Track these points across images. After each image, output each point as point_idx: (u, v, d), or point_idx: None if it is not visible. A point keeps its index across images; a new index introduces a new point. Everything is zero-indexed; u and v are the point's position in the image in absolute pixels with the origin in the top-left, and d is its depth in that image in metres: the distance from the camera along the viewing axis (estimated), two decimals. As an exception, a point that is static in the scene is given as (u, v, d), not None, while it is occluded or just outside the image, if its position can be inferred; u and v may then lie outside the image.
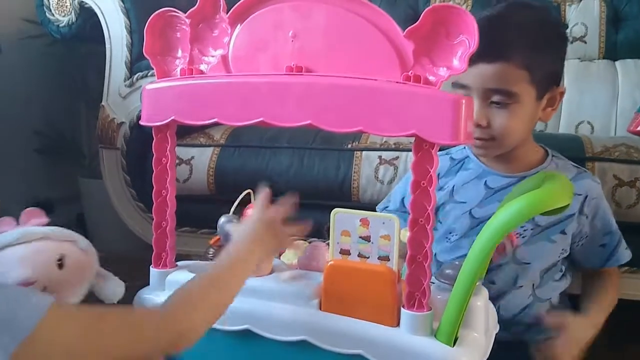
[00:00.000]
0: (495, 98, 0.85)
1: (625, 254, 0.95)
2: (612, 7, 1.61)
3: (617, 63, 1.58)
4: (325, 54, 0.65)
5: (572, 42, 1.61)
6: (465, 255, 0.88)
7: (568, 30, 1.62)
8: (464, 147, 0.96)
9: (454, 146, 0.95)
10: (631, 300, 1.09)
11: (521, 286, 0.90)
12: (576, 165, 0.96)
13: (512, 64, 0.84)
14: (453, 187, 0.94)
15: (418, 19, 0.60)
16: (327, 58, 0.65)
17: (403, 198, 0.98)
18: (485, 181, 0.92)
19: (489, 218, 0.86)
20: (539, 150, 0.95)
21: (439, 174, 0.95)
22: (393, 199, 1.01)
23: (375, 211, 1.01)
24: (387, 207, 1.02)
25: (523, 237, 0.88)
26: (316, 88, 0.64)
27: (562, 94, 0.92)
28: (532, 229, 0.88)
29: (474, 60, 0.81)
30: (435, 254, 0.94)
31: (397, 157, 1.16)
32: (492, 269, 0.88)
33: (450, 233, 0.93)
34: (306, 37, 0.65)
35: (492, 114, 0.86)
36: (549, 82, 0.88)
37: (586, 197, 0.91)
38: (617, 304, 0.94)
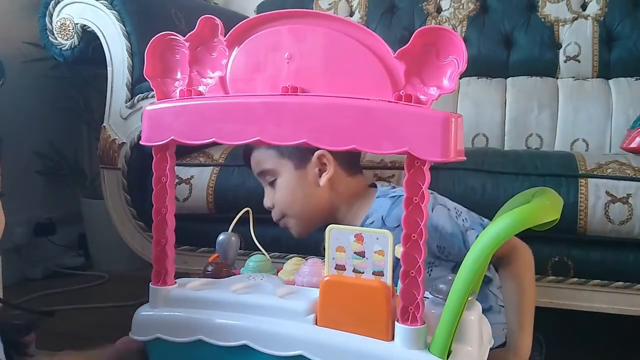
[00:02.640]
0: (265, 179, 1.01)
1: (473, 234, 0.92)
2: (604, 27, 1.63)
3: (611, 82, 1.60)
4: (320, 75, 0.67)
5: (566, 62, 1.64)
6: None
7: (562, 50, 1.65)
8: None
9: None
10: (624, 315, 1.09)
11: None
12: (396, 195, 0.98)
13: (262, 148, 0.99)
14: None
15: (411, 40, 0.62)
16: (322, 79, 0.67)
17: None
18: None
19: None
20: (367, 198, 1.00)
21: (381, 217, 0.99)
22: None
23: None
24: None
25: None
26: (311, 108, 0.65)
27: (322, 156, 0.97)
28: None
29: (245, 157, 1.04)
30: None
31: (393, 175, 1.18)
32: None
33: None
34: (301, 59, 0.67)
35: (272, 193, 1.00)
36: (303, 154, 0.97)
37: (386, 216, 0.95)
38: (613, 319, 0.94)
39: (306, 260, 0.80)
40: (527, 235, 0.80)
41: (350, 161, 1.02)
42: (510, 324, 0.89)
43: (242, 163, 1.27)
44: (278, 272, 0.84)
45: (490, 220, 0.87)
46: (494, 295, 0.96)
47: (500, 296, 0.95)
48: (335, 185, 0.98)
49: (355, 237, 0.66)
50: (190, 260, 1.29)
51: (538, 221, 0.63)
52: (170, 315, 0.76)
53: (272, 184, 1.00)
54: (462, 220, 0.94)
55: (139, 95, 1.33)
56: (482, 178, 1.14)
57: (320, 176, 0.97)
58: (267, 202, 1.00)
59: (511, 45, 1.69)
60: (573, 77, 1.63)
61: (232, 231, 0.91)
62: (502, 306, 0.94)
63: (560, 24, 1.67)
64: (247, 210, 0.93)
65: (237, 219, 0.91)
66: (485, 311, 0.91)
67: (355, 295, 0.66)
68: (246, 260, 0.87)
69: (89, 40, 1.38)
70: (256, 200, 1.23)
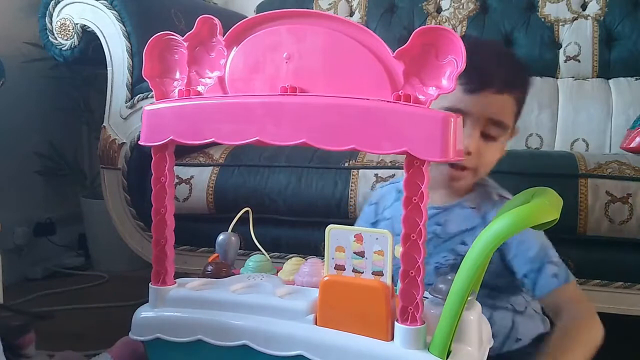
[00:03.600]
0: (491, 130, 0.86)
1: (551, 282, 0.87)
2: (604, 27, 1.64)
3: (611, 81, 1.60)
4: (319, 75, 0.67)
5: (566, 61, 1.64)
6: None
7: (562, 50, 1.65)
8: None
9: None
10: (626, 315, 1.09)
11: None
12: (502, 195, 0.93)
13: (513, 98, 0.86)
14: (390, 218, 0.96)
15: (410, 40, 0.62)
16: (321, 79, 0.67)
17: None
18: None
19: None
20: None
21: (387, 205, 0.99)
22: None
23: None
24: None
25: (446, 267, 0.90)
26: (310, 108, 0.65)
27: (517, 132, 0.94)
28: (454, 259, 0.89)
29: (473, 91, 0.84)
30: None
31: (394, 175, 1.18)
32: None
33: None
34: (300, 59, 0.67)
35: (482, 144, 0.87)
36: (519, 115, 0.91)
37: None
38: (613, 319, 0.93)
39: (306, 260, 0.80)
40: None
41: None
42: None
43: (242, 163, 1.28)
44: (278, 272, 0.84)
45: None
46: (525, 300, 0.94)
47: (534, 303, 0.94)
48: None
49: (354, 237, 0.66)
50: (190, 260, 1.29)
51: (538, 221, 0.62)
52: (170, 315, 0.76)
53: (488, 136, 0.87)
54: (553, 252, 0.89)
55: (139, 95, 1.33)
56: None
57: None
58: (470, 146, 0.86)
59: (511, 45, 1.69)
60: (573, 77, 1.63)
61: (232, 231, 0.90)
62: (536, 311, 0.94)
63: (560, 23, 1.67)
64: (247, 210, 0.93)
65: (236, 219, 0.91)
66: (518, 314, 0.92)
67: (355, 295, 0.66)
68: (246, 260, 0.86)
69: (89, 40, 1.38)
70: (256, 200, 1.24)
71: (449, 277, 0.67)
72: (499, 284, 0.90)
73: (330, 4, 1.84)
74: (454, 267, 0.86)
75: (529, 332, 0.92)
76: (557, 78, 1.65)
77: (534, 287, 0.87)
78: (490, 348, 0.72)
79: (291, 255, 1.09)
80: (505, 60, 0.90)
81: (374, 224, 1.00)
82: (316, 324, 0.68)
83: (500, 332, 0.90)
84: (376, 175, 1.19)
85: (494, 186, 0.95)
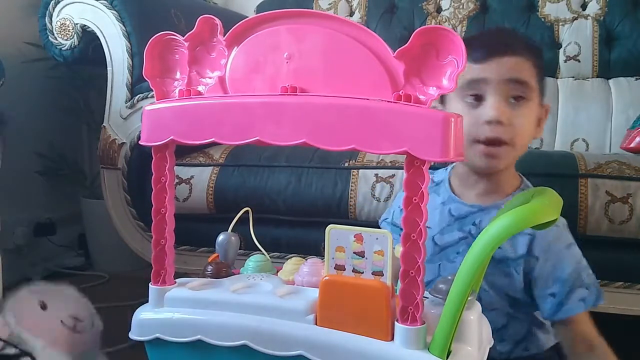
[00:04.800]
0: (514, 91, 0.83)
1: (578, 305, 0.85)
2: (604, 27, 1.64)
3: (611, 81, 1.61)
4: (319, 75, 0.67)
5: (566, 61, 1.64)
6: (428, 282, 0.87)
7: (562, 50, 1.65)
8: (446, 169, 0.95)
9: (445, 163, 0.96)
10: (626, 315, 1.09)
11: (492, 309, 0.88)
12: None
13: (525, 58, 0.85)
14: None
15: (410, 40, 0.62)
16: (321, 79, 0.67)
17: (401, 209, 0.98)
18: (450, 208, 0.91)
19: (449, 246, 0.89)
20: (515, 180, 0.92)
21: None
22: (393, 211, 1.02)
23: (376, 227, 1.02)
24: (386, 218, 1.03)
25: None
26: (310, 108, 0.65)
27: (547, 111, 0.91)
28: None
29: (487, 57, 0.84)
30: None
31: (394, 175, 1.18)
32: None
33: None
34: (301, 59, 0.67)
35: (510, 112, 0.83)
36: (543, 90, 0.89)
37: (534, 237, 0.86)
38: (613, 319, 0.93)
39: (306, 260, 0.80)
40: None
41: None
42: None
43: (242, 163, 1.28)
44: (278, 272, 0.84)
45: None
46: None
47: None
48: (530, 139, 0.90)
49: (354, 237, 0.66)
50: (190, 260, 1.29)
51: (538, 221, 0.62)
52: (169, 315, 0.76)
53: (518, 100, 0.84)
54: (586, 275, 0.87)
55: (139, 95, 1.33)
56: (482, 178, 1.14)
57: (538, 125, 0.89)
58: (499, 115, 0.83)
59: (511, 45, 1.69)
60: (573, 77, 1.63)
61: (232, 231, 0.90)
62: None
63: (560, 23, 1.67)
64: (247, 210, 0.93)
65: (236, 219, 0.91)
66: (538, 327, 0.91)
67: (355, 295, 0.66)
68: (246, 260, 0.86)
69: (89, 40, 1.38)
70: (256, 200, 1.24)
71: (449, 277, 0.67)
72: (521, 297, 0.88)
73: (330, 4, 1.84)
74: (489, 270, 0.84)
75: (543, 345, 0.91)
76: (557, 78, 1.65)
77: (558, 309, 0.85)
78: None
79: (291, 255, 1.09)
80: (506, 31, 0.94)
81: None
82: (316, 324, 0.68)
83: (511, 339, 0.90)
84: (376, 175, 1.19)
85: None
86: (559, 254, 0.86)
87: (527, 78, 0.84)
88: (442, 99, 0.90)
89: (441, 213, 0.91)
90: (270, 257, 0.90)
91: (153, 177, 0.77)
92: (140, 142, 0.77)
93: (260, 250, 0.92)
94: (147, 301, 0.78)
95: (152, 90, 0.76)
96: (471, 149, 0.85)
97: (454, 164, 0.94)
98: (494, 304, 0.88)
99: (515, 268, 0.86)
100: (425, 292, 0.65)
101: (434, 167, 0.87)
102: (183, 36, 0.74)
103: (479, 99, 0.85)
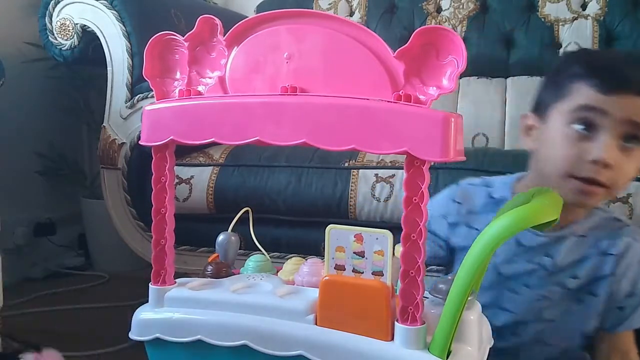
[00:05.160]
0: (629, 140, 0.75)
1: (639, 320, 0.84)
2: (604, 27, 1.64)
3: (611, 81, 1.60)
4: (319, 75, 0.67)
5: (565, 61, 1.64)
6: (484, 307, 0.86)
7: (562, 50, 1.65)
8: (507, 183, 0.88)
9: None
10: None
11: (552, 344, 0.86)
12: (618, 218, 0.87)
13: None
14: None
15: (410, 40, 0.62)
16: (321, 79, 0.67)
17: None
18: (517, 237, 0.84)
19: (515, 277, 0.84)
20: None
21: (475, 210, 0.88)
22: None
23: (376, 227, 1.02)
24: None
25: (551, 299, 0.84)
26: (310, 108, 0.65)
27: None
28: (561, 292, 0.84)
29: (616, 89, 0.75)
30: None
31: (394, 175, 1.18)
32: (519, 323, 0.86)
33: None
34: (301, 59, 0.67)
35: (619, 156, 0.76)
36: None
37: (621, 257, 0.83)
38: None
39: (306, 260, 0.80)
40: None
41: None
42: None
43: (242, 163, 1.28)
44: (278, 272, 0.84)
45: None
46: None
47: None
48: None
49: (354, 237, 0.66)
50: (190, 260, 1.29)
51: (538, 221, 0.62)
52: (169, 315, 0.76)
53: (632, 147, 0.76)
54: None
55: (139, 95, 1.33)
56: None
57: None
58: (608, 158, 0.74)
59: (511, 45, 1.69)
60: (573, 77, 1.63)
61: (232, 231, 0.90)
62: None
63: (560, 23, 1.67)
64: (247, 210, 0.93)
65: (236, 219, 0.91)
66: None
67: (355, 295, 0.66)
68: (246, 260, 0.86)
69: (89, 40, 1.38)
70: (256, 200, 1.24)
71: (449, 277, 0.67)
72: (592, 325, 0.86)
73: (330, 4, 1.84)
74: (560, 301, 0.83)
75: None
76: (557, 78, 1.65)
77: (621, 322, 0.83)
78: (490, 348, 0.72)
79: (291, 255, 1.09)
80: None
81: (453, 225, 0.90)
82: (316, 324, 0.68)
83: None
84: (376, 175, 1.19)
85: (607, 210, 0.88)
86: (637, 269, 0.83)
87: None
88: (542, 116, 0.82)
89: (506, 241, 0.85)
90: (270, 257, 0.90)
91: (153, 177, 0.77)
92: (140, 142, 0.77)
93: (260, 250, 0.92)
94: (147, 301, 0.78)
95: (152, 90, 0.76)
96: (565, 182, 0.78)
97: (520, 176, 0.87)
98: (553, 339, 0.86)
99: (594, 291, 0.83)
100: (425, 292, 0.65)
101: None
102: (183, 36, 0.74)
103: (589, 129, 0.76)
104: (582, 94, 0.76)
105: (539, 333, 0.86)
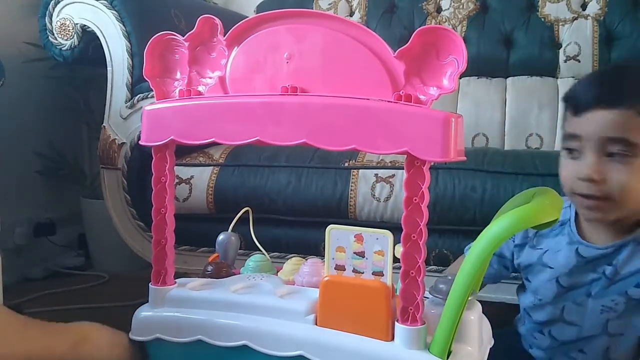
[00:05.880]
0: (613, 149, 0.77)
1: None
2: (604, 27, 1.64)
3: (611, 81, 1.60)
4: (319, 75, 0.67)
5: (566, 61, 1.64)
6: (548, 321, 0.88)
7: (562, 50, 1.65)
8: (569, 206, 0.88)
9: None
10: None
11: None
12: None
13: (634, 111, 0.76)
14: (546, 251, 0.88)
15: (410, 40, 0.62)
16: (321, 79, 0.67)
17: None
18: (577, 248, 0.85)
19: (577, 287, 0.84)
20: None
21: (542, 233, 0.88)
22: None
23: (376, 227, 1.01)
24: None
25: (615, 311, 0.83)
26: (310, 108, 0.65)
27: None
28: (624, 303, 0.82)
29: (589, 106, 0.78)
30: (524, 309, 0.93)
31: (394, 175, 1.18)
32: (583, 338, 0.86)
33: (535, 295, 0.90)
34: (301, 59, 0.67)
35: (608, 168, 0.77)
36: None
37: None
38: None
39: (306, 260, 0.80)
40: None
41: None
42: None
43: (242, 163, 1.28)
44: (278, 272, 0.84)
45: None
46: None
47: None
48: None
49: (355, 237, 0.66)
50: (190, 260, 1.29)
51: (538, 221, 0.62)
52: (170, 316, 0.76)
53: (618, 157, 0.77)
54: None
55: (139, 95, 1.33)
56: (482, 178, 1.14)
57: None
58: (595, 174, 0.77)
59: (511, 45, 1.69)
60: (573, 77, 1.63)
61: (232, 231, 0.91)
62: None
63: (560, 23, 1.67)
64: (247, 210, 0.93)
65: (236, 219, 0.91)
66: None
67: (355, 296, 0.66)
68: (246, 260, 0.86)
69: (89, 40, 1.38)
70: (256, 200, 1.24)
71: (449, 277, 0.67)
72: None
73: (330, 4, 1.84)
74: (625, 312, 0.82)
75: None
76: (557, 78, 1.65)
77: None
78: (490, 348, 0.72)
79: (291, 255, 1.09)
80: (612, 74, 0.83)
81: (519, 246, 0.92)
82: (316, 324, 0.68)
83: None
84: (376, 175, 1.19)
85: None
86: None
87: (632, 136, 0.76)
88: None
89: (567, 253, 0.86)
90: (270, 257, 0.90)
91: (153, 177, 0.77)
92: (140, 142, 0.77)
93: (260, 250, 0.92)
94: (147, 301, 0.79)
95: (152, 90, 0.76)
96: (573, 199, 0.83)
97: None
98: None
99: None
100: (425, 291, 0.65)
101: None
102: (183, 36, 0.74)
103: (575, 152, 0.81)
104: (566, 120, 0.83)
105: (604, 349, 0.85)
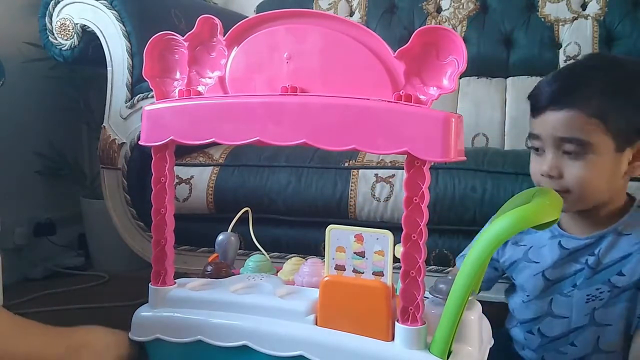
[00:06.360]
0: (567, 147, 0.81)
1: None
2: (604, 27, 1.64)
3: (611, 81, 1.60)
4: (319, 75, 0.67)
5: (566, 61, 1.64)
6: (537, 318, 0.89)
7: (562, 50, 1.65)
8: None
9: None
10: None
11: (610, 351, 0.87)
12: None
13: (582, 112, 0.80)
14: (530, 247, 0.91)
15: (410, 40, 0.62)
16: (321, 79, 0.67)
17: None
18: (560, 241, 0.88)
19: (563, 279, 0.87)
20: (622, 205, 0.88)
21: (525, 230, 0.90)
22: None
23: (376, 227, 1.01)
24: (465, 254, 0.97)
25: (600, 299, 0.85)
26: (310, 108, 0.65)
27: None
28: (609, 291, 0.85)
29: (542, 107, 0.83)
30: (513, 309, 0.95)
31: (394, 175, 1.18)
32: (572, 331, 0.87)
33: (523, 292, 0.91)
34: (301, 59, 0.67)
35: (565, 164, 0.82)
36: (630, 134, 0.82)
37: None
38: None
39: (306, 260, 0.80)
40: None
41: None
42: None
43: (242, 163, 1.28)
44: (278, 272, 0.84)
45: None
46: None
47: None
48: (627, 179, 0.86)
49: (355, 237, 0.66)
50: (190, 260, 1.29)
51: (538, 221, 0.62)
52: (169, 316, 0.76)
53: (573, 154, 0.81)
54: None
55: (139, 95, 1.33)
56: (482, 178, 1.14)
57: (631, 165, 0.84)
58: (552, 170, 0.82)
59: (511, 45, 1.69)
60: (573, 77, 1.62)
61: (231, 231, 0.91)
62: None
63: (560, 23, 1.67)
64: (247, 210, 0.93)
65: (236, 219, 0.91)
66: None
67: (355, 296, 0.66)
68: (246, 260, 0.86)
69: (89, 40, 1.38)
70: (256, 200, 1.24)
71: (449, 277, 0.67)
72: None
73: (330, 4, 1.84)
74: (610, 300, 0.84)
75: None
76: (557, 78, 1.65)
77: None
78: (490, 348, 0.73)
79: (291, 255, 1.09)
80: (563, 75, 0.86)
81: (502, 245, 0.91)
82: (316, 324, 0.68)
83: None
84: (376, 175, 1.19)
85: None
86: None
87: (582, 135, 0.80)
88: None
89: (550, 247, 0.89)
90: (270, 257, 0.90)
91: (153, 177, 0.77)
92: (140, 142, 0.77)
93: (260, 250, 0.92)
94: (147, 301, 0.79)
95: (152, 90, 0.76)
96: None
97: None
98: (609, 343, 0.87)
99: None
100: (426, 292, 0.65)
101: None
102: (183, 36, 0.74)
103: (538, 150, 0.86)
104: (529, 120, 0.87)
105: (594, 340, 0.87)
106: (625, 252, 0.85)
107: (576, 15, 1.66)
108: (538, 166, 0.86)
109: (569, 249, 0.87)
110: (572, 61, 0.88)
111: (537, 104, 0.85)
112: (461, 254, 1.01)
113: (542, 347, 0.91)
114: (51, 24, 1.39)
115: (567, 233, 0.88)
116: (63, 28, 1.38)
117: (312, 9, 1.80)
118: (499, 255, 0.94)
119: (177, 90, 0.75)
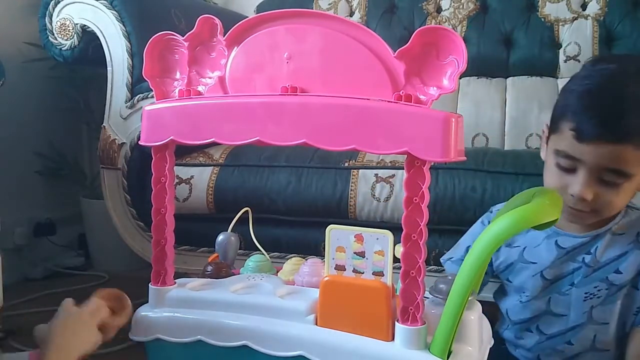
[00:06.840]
0: (608, 177, 0.80)
1: None
2: (604, 27, 1.64)
3: (611, 81, 1.60)
4: (319, 75, 0.67)
5: (566, 61, 1.64)
6: (535, 317, 0.89)
7: (562, 50, 1.65)
8: None
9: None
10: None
11: (605, 349, 0.87)
12: None
13: (633, 145, 0.78)
14: (524, 247, 0.91)
15: (410, 40, 0.62)
16: (321, 79, 0.67)
17: (468, 247, 0.95)
18: (556, 241, 0.89)
19: (561, 278, 0.88)
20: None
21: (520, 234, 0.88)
22: (459, 250, 0.98)
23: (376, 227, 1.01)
24: (451, 257, 0.99)
25: (598, 297, 0.86)
26: (310, 108, 0.65)
27: None
28: (606, 289, 0.86)
29: (593, 138, 0.78)
30: (507, 311, 0.94)
31: (394, 175, 1.18)
32: (569, 329, 0.88)
33: (522, 293, 0.91)
34: (301, 59, 0.67)
35: (599, 189, 0.81)
36: None
37: None
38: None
39: (306, 260, 0.80)
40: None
41: None
42: None
43: (242, 163, 1.28)
44: (278, 272, 0.84)
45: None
46: None
47: None
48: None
49: (355, 237, 0.66)
50: (190, 260, 1.29)
51: (538, 221, 0.62)
52: (170, 316, 0.76)
53: (611, 183, 0.80)
54: None
55: (139, 95, 1.33)
56: (482, 178, 1.14)
57: None
58: (588, 195, 0.80)
59: (511, 45, 1.69)
60: (573, 77, 1.62)
61: (231, 231, 0.91)
62: None
63: (560, 23, 1.67)
64: (247, 210, 0.93)
65: (236, 219, 0.91)
66: None
67: (355, 296, 0.66)
68: (246, 260, 0.86)
69: (89, 40, 1.38)
70: (256, 200, 1.24)
71: (450, 277, 0.67)
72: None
73: (330, 4, 1.84)
74: (607, 298, 0.86)
75: None
76: (557, 78, 1.65)
77: None
78: (490, 348, 0.72)
79: (291, 255, 1.09)
80: (614, 106, 0.80)
81: None
82: (316, 324, 0.68)
83: None
84: (376, 175, 1.19)
85: None
86: None
87: (627, 167, 0.79)
88: (551, 131, 0.86)
89: (547, 247, 0.89)
90: (270, 257, 0.90)
91: (153, 177, 0.77)
92: (140, 142, 0.77)
93: (260, 250, 0.92)
94: (147, 301, 0.78)
95: (152, 90, 0.76)
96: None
97: None
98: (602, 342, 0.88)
99: (638, 285, 0.86)
100: (426, 292, 0.65)
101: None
102: (183, 36, 0.74)
103: (569, 169, 0.82)
104: (565, 138, 0.82)
105: (591, 339, 0.88)
106: (621, 250, 0.86)
107: (576, 15, 1.66)
108: (564, 182, 0.83)
109: (566, 247, 0.88)
110: (604, 69, 0.81)
111: (587, 134, 0.79)
112: (447, 257, 1.00)
113: (539, 345, 0.91)
114: (51, 24, 1.39)
115: (564, 232, 0.89)
116: (63, 28, 1.38)
117: (312, 9, 1.80)
118: (494, 258, 0.94)
119: (177, 90, 0.75)
